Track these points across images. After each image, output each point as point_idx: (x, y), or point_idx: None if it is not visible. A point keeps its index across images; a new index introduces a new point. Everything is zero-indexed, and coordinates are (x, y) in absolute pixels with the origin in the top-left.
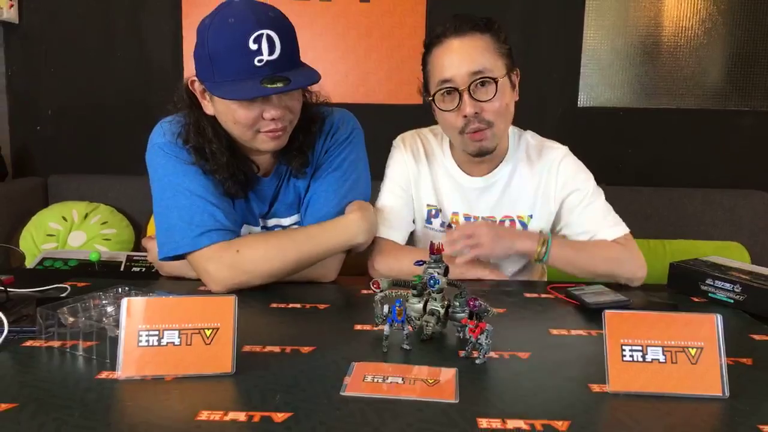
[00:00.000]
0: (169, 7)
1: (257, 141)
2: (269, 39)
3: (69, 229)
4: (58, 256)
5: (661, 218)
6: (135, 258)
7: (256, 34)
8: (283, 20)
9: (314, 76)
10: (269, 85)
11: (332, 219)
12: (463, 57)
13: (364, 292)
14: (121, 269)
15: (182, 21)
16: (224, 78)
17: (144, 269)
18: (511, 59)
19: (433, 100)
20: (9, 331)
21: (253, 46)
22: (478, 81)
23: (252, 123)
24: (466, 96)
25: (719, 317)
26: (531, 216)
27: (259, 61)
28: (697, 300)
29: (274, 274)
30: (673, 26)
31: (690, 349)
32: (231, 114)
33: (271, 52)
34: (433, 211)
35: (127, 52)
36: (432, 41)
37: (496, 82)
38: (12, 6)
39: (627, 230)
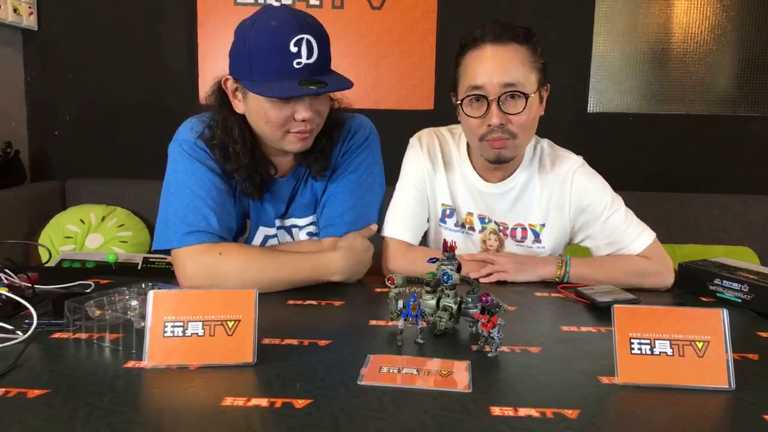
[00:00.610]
0: (184, 14)
1: (285, 141)
2: (308, 43)
3: (87, 232)
4: (76, 258)
5: (672, 223)
6: (151, 260)
7: (297, 37)
8: (321, 27)
9: (347, 83)
10: (310, 87)
11: (317, 252)
12: (496, 67)
13: (378, 290)
14: (138, 269)
15: (197, 28)
16: (263, 77)
17: (164, 266)
18: (544, 74)
19: (461, 104)
20: (38, 324)
21: (294, 49)
22: (508, 93)
23: (283, 123)
24: (494, 106)
25: (725, 311)
26: (543, 225)
27: (298, 63)
28: (705, 300)
29: (245, 287)
30: (682, 33)
31: (697, 343)
32: (263, 113)
33: (309, 56)
34: (448, 211)
35: (144, 59)
36: (468, 44)
37: (527, 98)
38: (31, 13)
39: (652, 237)
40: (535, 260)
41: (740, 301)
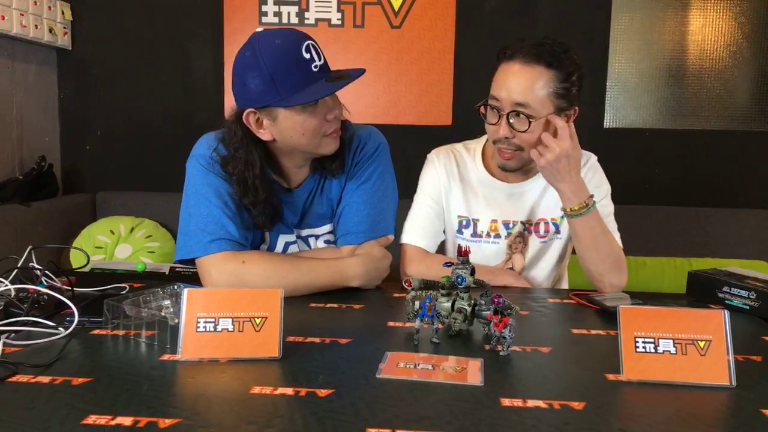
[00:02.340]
0: (212, 34)
1: (323, 145)
2: (314, 47)
3: (116, 242)
4: (106, 267)
5: (688, 237)
6: (177, 269)
7: (304, 45)
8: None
9: (361, 69)
10: (336, 82)
11: (336, 258)
12: (514, 85)
13: (397, 295)
14: (167, 274)
15: (224, 48)
16: (291, 91)
17: (190, 274)
18: (570, 100)
19: (485, 105)
20: (78, 321)
21: (306, 55)
22: (516, 112)
23: (319, 128)
24: (503, 120)
25: (726, 312)
26: (563, 217)
27: (315, 66)
28: (714, 307)
29: None
30: (698, 49)
31: (699, 342)
32: (299, 126)
33: (319, 57)
34: (464, 222)
35: (172, 77)
36: (501, 55)
37: (530, 121)
38: (66, 33)
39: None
40: (572, 179)
41: (748, 308)
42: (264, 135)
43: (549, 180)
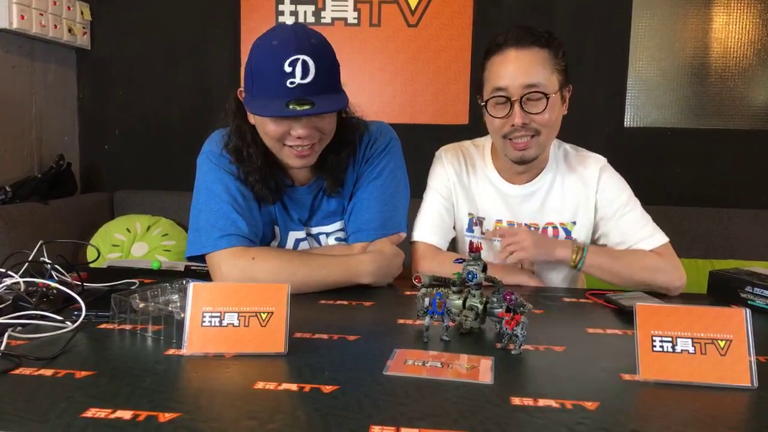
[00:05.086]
0: (228, 34)
1: (284, 155)
2: (304, 64)
3: (132, 240)
4: (122, 265)
5: (710, 238)
6: (192, 267)
7: (292, 58)
8: (324, 48)
9: (339, 104)
10: (295, 107)
11: (347, 255)
12: (518, 69)
13: (408, 293)
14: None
15: (241, 48)
16: (259, 93)
17: (205, 271)
18: (566, 75)
19: (486, 105)
20: (85, 315)
21: (288, 69)
22: (530, 94)
23: (279, 137)
24: (517, 107)
25: (748, 311)
26: (574, 223)
27: (291, 83)
28: (735, 307)
29: None
30: (721, 48)
31: (719, 341)
32: (263, 125)
33: (304, 76)
34: (474, 219)
35: (189, 77)
36: (492, 48)
37: (548, 98)
38: (85, 33)
39: (665, 240)
40: (555, 242)
41: None
42: (250, 116)
43: (545, 256)
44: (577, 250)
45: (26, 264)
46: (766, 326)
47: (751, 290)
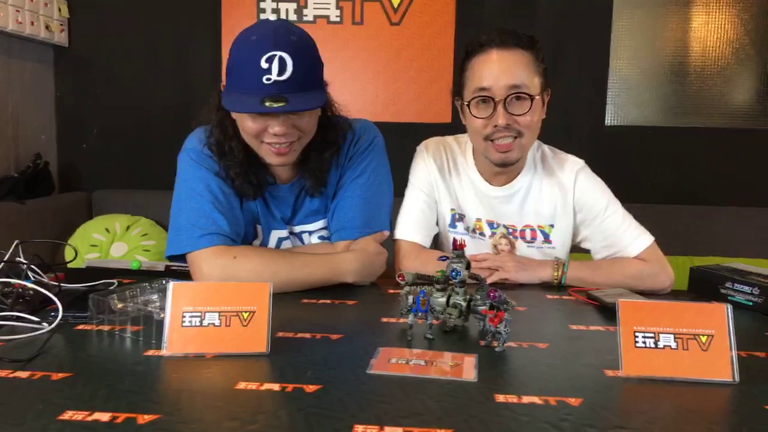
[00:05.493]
0: (210, 31)
1: (262, 152)
2: (281, 60)
3: (111, 240)
4: (100, 266)
5: (690, 236)
6: (173, 267)
7: (269, 54)
8: (304, 45)
9: (315, 102)
10: (270, 104)
11: (330, 254)
12: (503, 70)
13: (391, 291)
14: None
15: (222, 45)
16: (235, 89)
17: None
18: (546, 79)
19: (468, 105)
20: (63, 316)
21: (264, 65)
22: (514, 95)
23: (256, 134)
24: (500, 107)
25: (729, 306)
26: (552, 225)
27: (267, 79)
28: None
29: None
30: (700, 47)
31: (701, 337)
32: (241, 121)
33: (280, 72)
34: (457, 215)
35: (169, 75)
36: (474, 49)
37: (532, 99)
38: (63, 30)
39: (650, 240)
40: (535, 263)
41: (752, 304)
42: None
43: (527, 278)
44: (558, 267)
45: (1, 264)
46: (746, 322)
47: (731, 286)
